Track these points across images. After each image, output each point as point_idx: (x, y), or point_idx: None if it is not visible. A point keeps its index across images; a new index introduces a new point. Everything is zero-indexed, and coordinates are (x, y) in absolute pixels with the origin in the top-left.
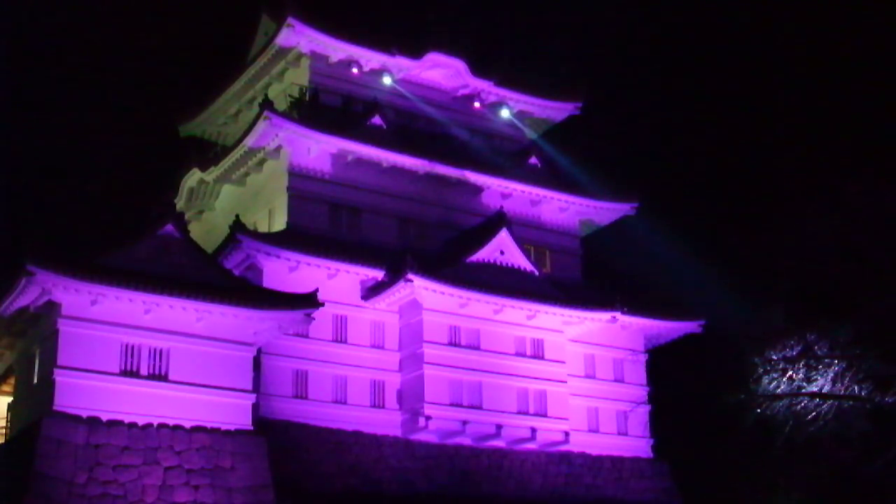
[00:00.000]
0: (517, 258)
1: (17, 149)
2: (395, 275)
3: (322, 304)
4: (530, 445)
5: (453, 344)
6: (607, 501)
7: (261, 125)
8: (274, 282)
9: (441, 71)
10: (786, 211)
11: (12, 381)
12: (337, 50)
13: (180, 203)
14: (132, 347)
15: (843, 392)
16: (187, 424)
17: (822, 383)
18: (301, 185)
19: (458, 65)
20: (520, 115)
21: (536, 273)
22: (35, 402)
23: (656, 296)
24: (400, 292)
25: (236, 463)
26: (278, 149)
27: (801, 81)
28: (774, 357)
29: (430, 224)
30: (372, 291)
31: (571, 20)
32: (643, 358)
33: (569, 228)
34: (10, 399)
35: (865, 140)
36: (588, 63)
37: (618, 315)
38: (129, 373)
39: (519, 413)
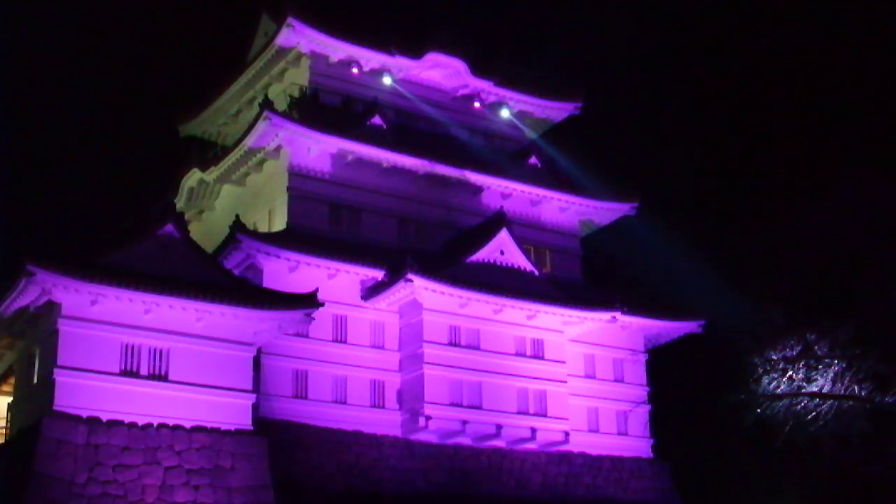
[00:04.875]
0: (517, 258)
1: (18, 149)
2: (395, 275)
3: (322, 304)
4: (530, 445)
5: (453, 344)
6: (607, 501)
7: (261, 125)
8: (274, 282)
9: (441, 71)
10: (785, 211)
11: (12, 381)
12: (337, 50)
13: (180, 203)
14: (132, 347)
15: (843, 392)
16: (187, 424)
17: (822, 383)
18: (301, 185)
19: (458, 65)
20: (520, 115)
21: (536, 273)
22: (35, 402)
23: (656, 296)
24: (400, 292)
25: (236, 463)
26: (278, 149)
27: (801, 81)
28: (774, 357)
29: (430, 224)
30: (372, 291)
31: (571, 20)
32: (643, 358)
33: (569, 228)
34: (10, 399)
35: (865, 139)
36: (588, 63)
37: (618, 315)
38: (129, 373)
39: (519, 413)
